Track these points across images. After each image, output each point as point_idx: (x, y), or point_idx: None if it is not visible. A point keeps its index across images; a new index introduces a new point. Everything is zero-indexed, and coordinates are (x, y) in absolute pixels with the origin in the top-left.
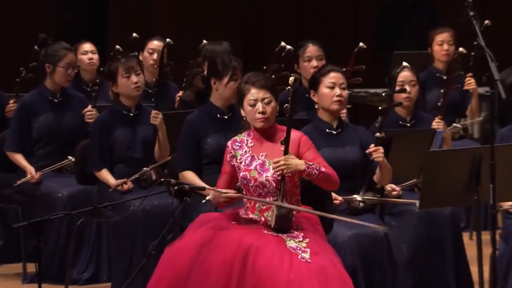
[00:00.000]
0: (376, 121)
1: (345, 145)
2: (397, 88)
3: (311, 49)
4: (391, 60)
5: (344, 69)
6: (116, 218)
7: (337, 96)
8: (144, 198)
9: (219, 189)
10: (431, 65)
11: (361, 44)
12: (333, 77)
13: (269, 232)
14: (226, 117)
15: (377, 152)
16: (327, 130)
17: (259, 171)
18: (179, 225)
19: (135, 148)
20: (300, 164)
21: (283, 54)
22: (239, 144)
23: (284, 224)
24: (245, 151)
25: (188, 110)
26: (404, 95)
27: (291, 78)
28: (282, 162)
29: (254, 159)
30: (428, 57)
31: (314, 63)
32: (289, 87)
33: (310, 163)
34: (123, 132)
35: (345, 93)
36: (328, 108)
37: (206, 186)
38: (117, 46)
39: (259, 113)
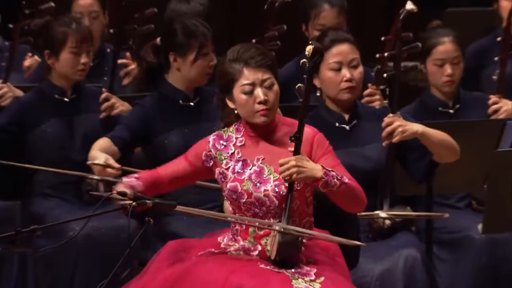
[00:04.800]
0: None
1: (364, 143)
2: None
3: (327, 14)
4: (443, 21)
5: (383, 38)
6: (48, 247)
7: (346, 81)
8: (88, 219)
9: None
10: (498, 27)
11: (409, 4)
12: (339, 52)
13: (268, 267)
14: (192, 103)
15: (390, 128)
16: (337, 124)
17: (255, 182)
18: (137, 257)
19: (73, 147)
20: (316, 169)
21: (276, 5)
22: (224, 143)
23: (290, 256)
24: (232, 153)
25: (143, 94)
26: (444, 78)
27: (309, 47)
28: (293, 163)
29: (247, 165)
30: (492, 17)
31: None
32: (304, 60)
33: (329, 169)
34: (55, 124)
35: (358, 72)
36: (335, 97)
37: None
38: None
39: (259, 102)
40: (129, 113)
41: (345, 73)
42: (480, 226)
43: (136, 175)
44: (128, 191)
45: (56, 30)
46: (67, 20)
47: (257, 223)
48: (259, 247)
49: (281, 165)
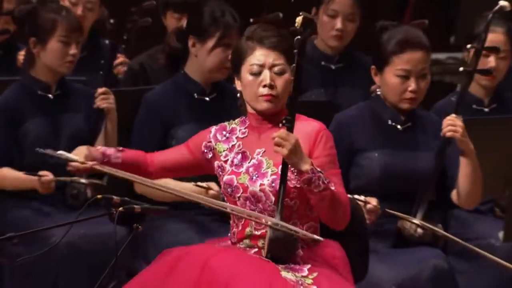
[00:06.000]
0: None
1: (415, 148)
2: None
3: (342, 0)
4: (459, 8)
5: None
6: (26, 257)
7: (411, 92)
8: (71, 226)
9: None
10: None
11: (502, 2)
12: (410, 60)
13: (257, 256)
14: (207, 98)
15: (454, 122)
16: (389, 121)
17: (252, 175)
18: (125, 267)
19: (58, 148)
20: (305, 161)
21: None
22: (227, 134)
23: (282, 255)
24: (233, 145)
25: (143, 88)
26: (491, 60)
27: (299, 18)
28: (293, 141)
29: (246, 157)
30: None
31: (338, 23)
32: (298, 37)
33: (318, 169)
34: (39, 123)
35: (425, 83)
36: (395, 105)
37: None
38: None
39: (264, 86)
40: (138, 125)
41: (412, 83)
42: (501, 234)
43: (119, 148)
44: (96, 157)
45: (45, 17)
46: (56, 7)
47: (253, 218)
48: (256, 249)
49: (279, 135)
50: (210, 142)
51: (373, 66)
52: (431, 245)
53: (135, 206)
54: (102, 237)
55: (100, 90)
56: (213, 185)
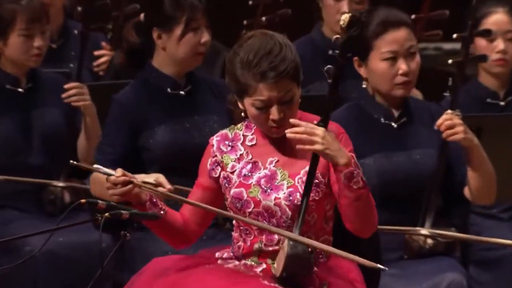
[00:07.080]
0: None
1: (413, 146)
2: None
3: None
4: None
5: (413, 16)
6: (3, 267)
7: (402, 75)
8: (51, 233)
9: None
10: None
11: None
12: (394, 39)
13: (272, 284)
14: (182, 92)
15: (452, 122)
16: (382, 119)
17: (265, 188)
18: (112, 279)
19: (31, 149)
20: (343, 154)
21: None
22: (231, 144)
23: (299, 273)
24: (241, 155)
25: (123, 81)
26: (495, 55)
27: (346, 16)
28: (320, 134)
29: (257, 168)
30: None
31: (344, 6)
32: (337, 36)
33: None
34: (8, 121)
35: (415, 63)
36: (387, 93)
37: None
38: None
39: (273, 120)
40: (108, 122)
41: (401, 65)
42: None
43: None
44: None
45: (2, 8)
46: None
47: (268, 227)
48: (264, 266)
49: (301, 132)
50: (216, 156)
51: (355, 58)
52: (446, 254)
53: (122, 211)
54: (85, 246)
55: (72, 89)
56: (161, 178)
